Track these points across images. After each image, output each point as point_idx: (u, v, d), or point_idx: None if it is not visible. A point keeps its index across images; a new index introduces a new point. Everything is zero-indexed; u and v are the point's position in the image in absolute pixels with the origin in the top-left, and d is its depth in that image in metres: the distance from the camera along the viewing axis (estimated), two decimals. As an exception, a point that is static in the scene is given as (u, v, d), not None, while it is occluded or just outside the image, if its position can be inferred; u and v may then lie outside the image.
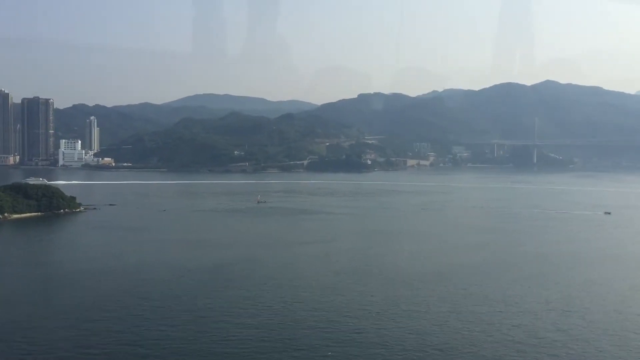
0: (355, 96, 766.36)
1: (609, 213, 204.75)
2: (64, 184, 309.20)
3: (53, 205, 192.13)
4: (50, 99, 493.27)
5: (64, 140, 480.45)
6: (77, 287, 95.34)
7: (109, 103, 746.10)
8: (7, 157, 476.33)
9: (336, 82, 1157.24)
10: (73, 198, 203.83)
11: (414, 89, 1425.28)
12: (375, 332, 73.81)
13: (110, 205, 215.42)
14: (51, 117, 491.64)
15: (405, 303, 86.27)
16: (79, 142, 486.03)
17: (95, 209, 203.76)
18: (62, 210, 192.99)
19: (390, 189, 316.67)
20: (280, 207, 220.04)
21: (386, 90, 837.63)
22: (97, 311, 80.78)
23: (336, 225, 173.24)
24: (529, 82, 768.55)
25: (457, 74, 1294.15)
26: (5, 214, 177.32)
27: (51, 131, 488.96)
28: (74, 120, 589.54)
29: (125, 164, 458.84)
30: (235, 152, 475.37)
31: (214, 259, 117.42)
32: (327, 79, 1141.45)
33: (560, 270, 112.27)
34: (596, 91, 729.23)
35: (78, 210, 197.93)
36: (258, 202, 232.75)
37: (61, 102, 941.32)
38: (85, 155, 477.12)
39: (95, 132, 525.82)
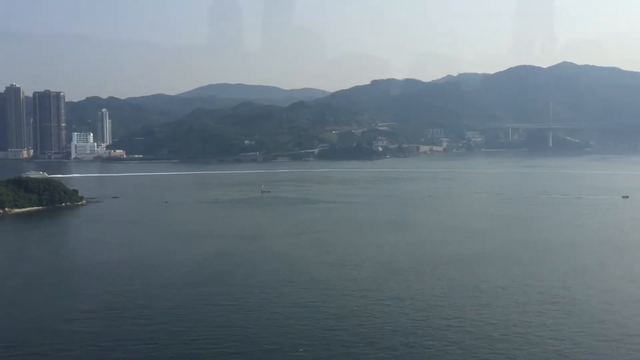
0: (369, 83, 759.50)
1: (627, 197, 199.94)
2: (69, 177, 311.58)
3: (55, 199, 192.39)
4: (61, 92, 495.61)
5: (76, 133, 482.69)
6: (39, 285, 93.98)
7: (122, 95, 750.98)
8: (20, 150, 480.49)
9: (350, 69, 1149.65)
10: (75, 191, 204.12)
11: (430, 74, 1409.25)
12: (354, 329, 71.42)
13: (114, 197, 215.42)
14: (62, 111, 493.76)
15: (386, 298, 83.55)
16: (91, 134, 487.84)
17: (98, 202, 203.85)
18: (63, 204, 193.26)
19: (399, 176, 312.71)
20: (283, 196, 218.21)
21: (402, 75, 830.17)
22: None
23: (334, 215, 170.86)
24: (545, 65, 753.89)
25: (474, 58, 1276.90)
26: (6, 209, 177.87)
27: (63, 124, 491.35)
28: (88, 113, 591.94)
29: (136, 156, 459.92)
30: (246, 141, 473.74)
31: (199, 253, 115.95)
32: (342, 66, 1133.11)
33: (553, 258, 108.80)
34: (614, 72, 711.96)
35: (80, 203, 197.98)
36: (262, 192, 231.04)
37: (75, 95, 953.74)
38: (97, 147, 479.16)
39: (107, 124, 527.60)
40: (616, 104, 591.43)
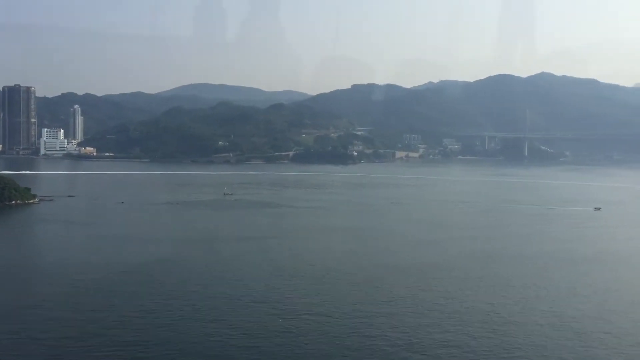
0: (349, 87, 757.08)
1: (599, 209, 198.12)
2: (35, 174, 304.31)
3: (4, 197, 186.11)
4: (31, 87, 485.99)
5: (45, 129, 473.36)
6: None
7: (100, 92, 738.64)
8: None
9: (333, 73, 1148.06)
10: (27, 189, 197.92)
11: (412, 80, 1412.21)
12: (270, 349, 67.22)
13: (69, 196, 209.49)
14: (33, 106, 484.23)
15: (312, 312, 79.43)
16: (61, 131, 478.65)
17: (51, 200, 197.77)
18: (14, 202, 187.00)
19: (369, 181, 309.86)
20: (245, 199, 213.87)
21: (384, 81, 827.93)
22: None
23: (289, 220, 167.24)
24: (524, 74, 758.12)
25: (456, 66, 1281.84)
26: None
27: (33, 120, 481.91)
28: (62, 110, 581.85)
29: (106, 154, 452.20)
30: (220, 142, 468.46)
31: (134, 257, 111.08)
32: (324, 70, 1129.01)
33: (483, 270, 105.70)
34: (591, 84, 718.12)
35: (32, 201, 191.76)
36: (224, 194, 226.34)
37: (51, 90, 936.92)
38: (68, 144, 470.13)
39: (79, 120, 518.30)
40: (592, 115, 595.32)
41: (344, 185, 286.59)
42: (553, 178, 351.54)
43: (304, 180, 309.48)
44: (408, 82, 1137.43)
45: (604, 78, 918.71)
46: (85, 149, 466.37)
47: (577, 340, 70.55)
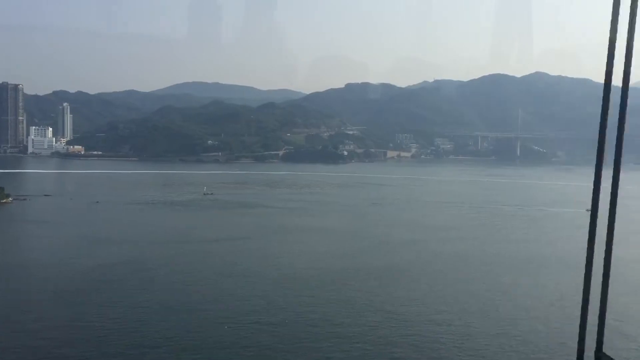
0: (343, 86, 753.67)
1: (590, 210, 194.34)
2: (20, 173, 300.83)
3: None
4: (19, 85, 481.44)
5: (34, 127, 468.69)
6: None
7: (93, 90, 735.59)
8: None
9: (328, 72, 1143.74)
10: (1, 189, 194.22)
11: (407, 80, 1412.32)
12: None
13: (45, 195, 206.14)
14: (21, 103, 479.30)
15: (260, 320, 76.07)
16: (50, 129, 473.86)
17: (25, 199, 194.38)
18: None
19: (356, 181, 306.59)
20: (225, 199, 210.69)
21: (379, 80, 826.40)
22: None
23: (265, 221, 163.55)
24: (519, 74, 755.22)
25: (452, 65, 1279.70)
26: None
27: (21, 117, 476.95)
28: (53, 108, 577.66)
29: (94, 153, 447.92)
30: (209, 141, 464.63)
31: (98, 259, 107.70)
32: (319, 69, 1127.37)
33: (446, 274, 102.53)
34: (585, 83, 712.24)
35: (4, 201, 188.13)
36: (204, 194, 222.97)
37: (44, 88, 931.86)
38: (56, 142, 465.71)
39: (68, 119, 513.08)
40: (586, 115, 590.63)
41: (329, 185, 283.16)
42: (544, 178, 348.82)
43: (290, 180, 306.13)
44: (403, 81, 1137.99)
45: (598, 77, 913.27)
46: (73, 147, 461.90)
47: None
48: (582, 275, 6.72)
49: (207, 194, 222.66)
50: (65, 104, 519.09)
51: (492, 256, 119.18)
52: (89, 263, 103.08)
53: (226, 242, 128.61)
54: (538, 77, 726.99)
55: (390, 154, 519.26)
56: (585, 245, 6.76)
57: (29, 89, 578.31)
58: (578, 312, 6.90)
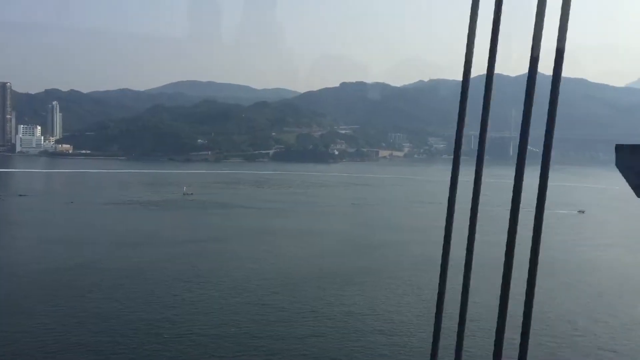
0: (338, 85, 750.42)
1: (583, 211, 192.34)
2: (5, 172, 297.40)
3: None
4: (7, 82, 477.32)
5: (22, 126, 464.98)
6: None
7: (86, 89, 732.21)
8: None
9: (324, 71, 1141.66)
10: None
11: (403, 79, 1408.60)
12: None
13: (20, 195, 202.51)
14: (8, 102, 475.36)
15: (199, 330, 72.43)
16: (38, 127, 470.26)
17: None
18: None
19: (344, 181, 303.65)
20: (204, 200, 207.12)
21: (375, 79, 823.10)
22: None
23: (241, 222, 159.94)
24: (513, 74, 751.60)
25: (449, 64, 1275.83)
26: None
27: (8, 116, 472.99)
28: (44, 106, 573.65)
29: (82, 151, 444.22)
30: (199, 140, 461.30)
31: (55, 261, 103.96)
32: (315, 68, 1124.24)
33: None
34: (580, 83, 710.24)
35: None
36: (184, 194, 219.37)
37: (36, 87, 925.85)
38: (45, 141, 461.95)
39: (58, 117, 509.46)
40: (579, 115, 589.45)
41: (315, 185, 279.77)
42: (536, 178, 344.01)
43: (277, 180, 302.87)
44: (399, 80, 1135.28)
45: (593, 77, 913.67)
46: (61, 146, 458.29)
47: None
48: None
49: (187, 194, 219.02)
50: (54, 103, 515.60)
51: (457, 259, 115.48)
52: (39, 267, 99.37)
53: (192, 245, 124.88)
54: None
55: (382, 153, 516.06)
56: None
57: (21, 88, 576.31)
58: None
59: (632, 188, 6.31)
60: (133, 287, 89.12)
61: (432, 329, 7.00)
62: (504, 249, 6.25)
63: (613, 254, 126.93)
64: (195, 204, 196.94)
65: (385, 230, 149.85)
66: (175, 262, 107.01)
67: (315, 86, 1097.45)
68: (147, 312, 76.93)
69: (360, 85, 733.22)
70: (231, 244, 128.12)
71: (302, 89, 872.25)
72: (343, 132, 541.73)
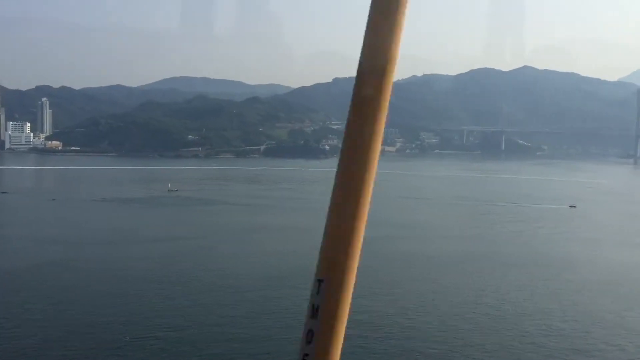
0: (330, 80, 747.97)
1: (574, 206, 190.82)
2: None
3: None
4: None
5: (11, 123, 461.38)
6: None
7: (78, 85, 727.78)
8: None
9: (317, 66, 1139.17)
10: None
11: (396, 74, 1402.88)
12: None
13: (2, 193, 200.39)
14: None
15: (172, 326, 71.03)
16: (28, 124, 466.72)
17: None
18: None
19: (331, 176, 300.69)
20: (188, 196, 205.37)
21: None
22: None
23: (222, 219, 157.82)
24: (506, 69, 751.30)
25: (442, 59, 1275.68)
26: None
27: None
28: (34, 103, 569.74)
29: (72, 148, 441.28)
30: (189, 136, 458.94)
31: (21, 260, 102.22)
32: (308, 63, 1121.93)
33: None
34: (572, 78, 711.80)
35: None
36: (168, 190, 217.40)
37: (27, 83, 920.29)
38: (34, 138, 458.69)
39: (48, 114, 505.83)
40: (571, 109, 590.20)
41: (303, 181, 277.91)
42: (527, 173, 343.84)
43: (266, 176, 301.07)
44: (396, 75, 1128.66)
45: (585, 71, 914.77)
46: (51, 143, 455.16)
47: None
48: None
49: (172, 190, 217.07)
50: (44, 99, 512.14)
51: (436, 255, 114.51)
52: (5, 266, 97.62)
53: (169, 243, 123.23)
54: (526, 71, 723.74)
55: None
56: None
57: (11, 84, 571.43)
58: None
59: None
60: (100, 288, 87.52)
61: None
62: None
63: (602, 250, 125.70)
64: (179, 200, 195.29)
65: (370, 227, 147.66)
66: (147, 262, 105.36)
67: (309, 82, 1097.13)
68: (109, 315, 75.39)
69: (353, 80, 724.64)
70: (209, 242, 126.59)
71: (295, 84, 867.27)
72: (335, 127, 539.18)
